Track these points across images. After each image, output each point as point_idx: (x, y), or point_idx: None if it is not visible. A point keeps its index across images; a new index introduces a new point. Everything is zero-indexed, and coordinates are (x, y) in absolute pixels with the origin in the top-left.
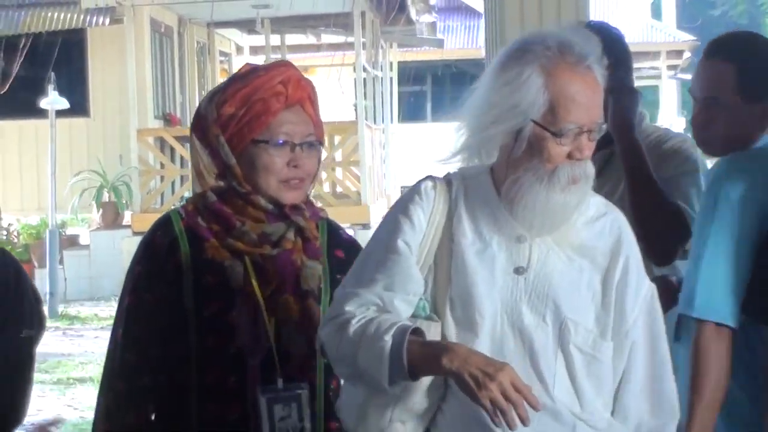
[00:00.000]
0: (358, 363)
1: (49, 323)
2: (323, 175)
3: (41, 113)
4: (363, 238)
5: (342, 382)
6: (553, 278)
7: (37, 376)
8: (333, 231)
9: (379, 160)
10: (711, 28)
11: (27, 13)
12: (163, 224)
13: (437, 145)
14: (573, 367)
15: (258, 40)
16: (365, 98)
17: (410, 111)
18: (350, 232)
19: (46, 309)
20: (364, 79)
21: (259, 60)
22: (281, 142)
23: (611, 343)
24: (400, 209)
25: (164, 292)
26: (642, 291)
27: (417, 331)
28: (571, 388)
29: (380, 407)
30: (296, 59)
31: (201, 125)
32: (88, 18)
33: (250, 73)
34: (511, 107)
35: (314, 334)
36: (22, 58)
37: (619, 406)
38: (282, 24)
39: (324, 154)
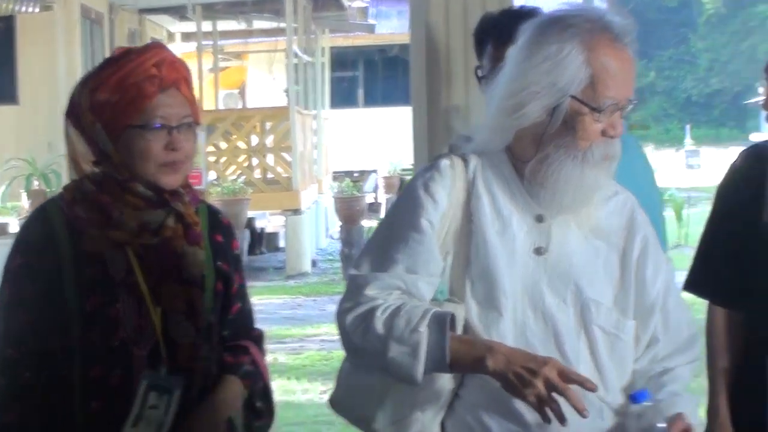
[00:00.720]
0: (388, 355)
1: None
2: (254, 161)
3: None
4: (294, 223)
5: (342, 372)
6: (573, 258)
7: None
8: (213, 215)
9: (311, 145)
10: (642, 12)
11: None
12: (41, 215)
13: (370, 130)
14: (596, 347)
15: (190, 26)
16: (297, 84)
17: (342, 96)
18: (281, 217)
19: None
20: (296, 65)
21: (192, 47)
22: (158, 125)
23: (633, 322)
24: (421, 186)
25: (44, 286)
26: (662, 267)
27: (452, 320)
28: (595, 369)
29: (400, 396)
30: (228, 45)
31: (75, 112)
32: (17, 5)
33: (122, 56)
34: (551, 84)
35: (200, 323)
36: None
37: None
38: (214, 10)
39: (255, 140)
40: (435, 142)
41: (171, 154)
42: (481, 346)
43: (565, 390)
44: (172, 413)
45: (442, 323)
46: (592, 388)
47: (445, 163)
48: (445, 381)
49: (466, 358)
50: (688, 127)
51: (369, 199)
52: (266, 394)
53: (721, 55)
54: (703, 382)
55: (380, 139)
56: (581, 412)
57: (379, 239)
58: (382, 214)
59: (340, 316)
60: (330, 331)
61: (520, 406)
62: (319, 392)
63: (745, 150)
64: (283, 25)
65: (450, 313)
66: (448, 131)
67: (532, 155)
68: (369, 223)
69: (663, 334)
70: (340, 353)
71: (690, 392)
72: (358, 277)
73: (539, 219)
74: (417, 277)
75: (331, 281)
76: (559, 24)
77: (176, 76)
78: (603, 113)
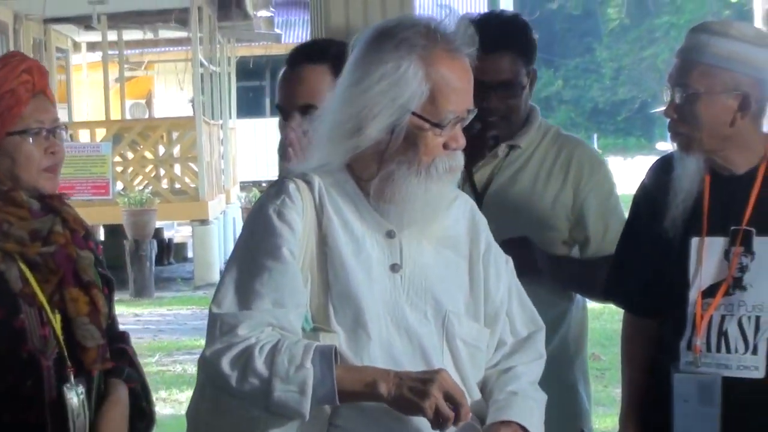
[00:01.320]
0: (274, 395)
1: None
2: (161, 171)
3: None
4: (202, 234)
5: (199, 415)
6: (427, 272)
7: None
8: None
9: (218, 155)
10: (549, 22)
11: None
12: None
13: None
14: (460, 359)
15: (95, 36)
16: (203, 94)
17: (249, 106)
18: (189, 228)
19: None
20: (202, 75)
21: (97, 56)
22: (37, 130)
23: (488, 330)
24: (275, 213)
25: None
26: (502, 269)
27: (335, 351)
28: (461, 381)
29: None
30: (134, 55)
31: None
32: None
33: None
34: (390, 102)
35: (103, 324)
36: None
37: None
38: (119, 20)
39: (162, 150)
40: None
41: (51, 157)
42: (369, 372)
43: (461, 397)
44: (90, 418)
45: (327, 357)
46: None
47: (292, 186)
48: (321, 411)
49: (355, 386)
50: (595, 136)
51: None
52: (147, 395)
53: (626, 64)
54: (613, 392)
55: None
56: (464, 420)
57: (239, 272)
58: None
59: (213, 359)
60: None
61: (401, 427)
62: None
63: (656, 160)
64: (188, 34)
65: (333, 346)
66: None
67: (374, 173)
68: None
69: (509, 337)
70: None
71: (535, 391)
72: (225, 316)
73: (390, 235)
74: (286, 311)
75: None
76: (392, 39)
77: (44, 81)
78: (445, 128)
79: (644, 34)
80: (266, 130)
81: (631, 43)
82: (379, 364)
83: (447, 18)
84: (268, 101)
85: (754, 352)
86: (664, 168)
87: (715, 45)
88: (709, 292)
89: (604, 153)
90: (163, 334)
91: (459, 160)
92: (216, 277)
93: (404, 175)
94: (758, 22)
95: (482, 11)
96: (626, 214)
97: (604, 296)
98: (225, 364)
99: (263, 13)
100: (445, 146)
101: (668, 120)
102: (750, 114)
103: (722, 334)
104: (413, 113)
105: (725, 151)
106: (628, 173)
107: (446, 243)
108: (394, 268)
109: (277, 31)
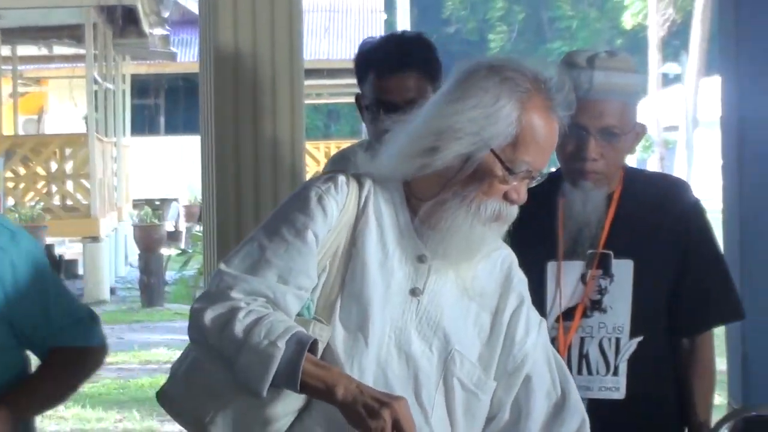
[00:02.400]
0: (239, 361)
1: None
2: (53, 187)
3: None
4: (92, 251)
5: (182, 366)
6: (445, 308)
7: None
8: None
9: (111, 173)
10: (445, 45)
11: None
12: None
13: (171, 158)
14: (453, 401)
15: None
16: (97, 111)
17: (144, 124)
18: (79, 245)
19: None
20: (96, 92)
21: None
22: None
23: (495, 383)
24: (315, 196)
25: None
26: (534, 324)
27: (314, 344)
28: (448, 423)
29: (246, 406)
30: (28, 71)
31: None
32: None
33: None
34: (475, 132)
35: None
36: None
37: None
38: (13, 35)
39: (54, 166)
40: (223, 171)
41: None
42: (336, 374)
43: (411, 429)
44: None
45: (302, 343)
46: None
47: (342, 179)
48: (293, 401)
49: (316, 382)
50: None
51: (169, 227)
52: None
53: None
54: None
55: (181, 168)
56: None
57: (259, 238)
58: (183, 243)
59: (199, 312)
60: (127, 359)
61: None
62: (114, 421)
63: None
64: (83, 51)
65: (312, 338)
66: (238, 160)
67: (431, 196)
68: (168, 252)
69: (524, 399)
70: (136, 382)
71: None
72: (225, 275)
73: (421, 259)
74: (286, 289)
75: (130, 309)
76: (498, 74)
77: None
78: (515, 176)
79: (537, 59)
80: (160, 148)
81: None
82: (368, 376)
83: (556, 76)
84: (162, 119)
85: (615, 373)
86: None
87: (631, 83)
88: (567, 316)
89: None
90: None
91: (512, 212)
92: (106, 295)
93: (456, 206)
94: (653, 50)
95: (380, 33)
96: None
97: None
98: (207, 318)
99: (159, 31)
100: (506, 195)
101: (582, 161)
102: (637, 143)
103: (583, 356)
104: (492, 151)
105: None
106: None
107: (475, 288)
108: (415, 292)
109: (173, 49)
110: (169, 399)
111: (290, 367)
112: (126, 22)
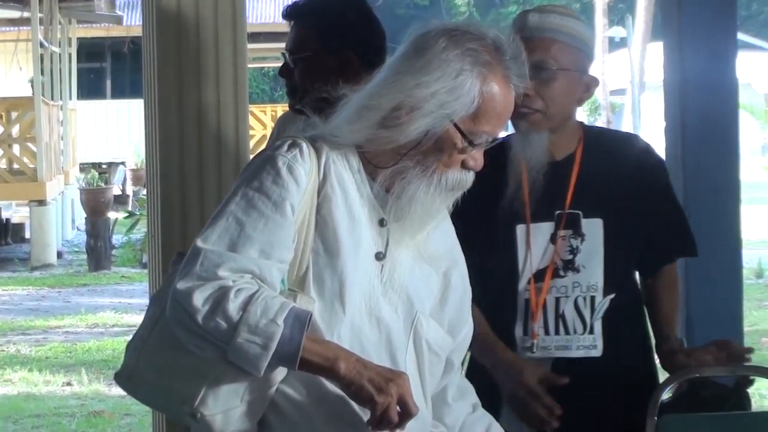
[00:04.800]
0: (236, 341)
1: None
2: None
3: None
4: (39, 214)
5: (141, 346)
6: (405, 270)
7: None
8: None
9: (57, 136)
10: (392, 7)
11: None
12: None
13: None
14: (423, 363)
15: None
16: (42, 74)
17: (90, 88)
18: (26, 209)
19: None
20: (42, 55)
21: None
22: None
23: (453, 341)
24: (285, 165)
25: None
26: (467, 290)
27: (310, 318)
28: (420, 383)
29: (231, 380)
30: None
31: None
32: None
33: None
34: (439, 106)
35: None
36: None
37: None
38: None
39: (0, 130)
40: (166, 135)
41: None
42: (334, 349)
43: (413, 408)
44: None
45: (301, 320)
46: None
47: (305, 145)
48: (276, 373)
49: (316, 358)
50: (477, 160)
51: (116, 191)
52: None
53: None
54: None
55: (128, 131)
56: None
57: (235, 212)
58: (130, 206)
59: (186, 294)
60: (74, 323)
61: (349, 408)
62: (61, 384)
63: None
64: (28, 14)
65: (309, 313)
66: (181, 123)
67: (388, 164)
68: (115, 215)
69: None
70: (84, 345)
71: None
72: (209, 253)
73: (381, 223)
74: (270, 264)
75: (77, 273)
76: (459, 45)
77: None
78: (475, 147)
79: (491, 24)
80: (107, 111)
81: None
82: (346, 345)
83: (513, 43)
84: (109, 83)
85: (591, 331)
86: (485, 155)
87: (567, 25)
88: (539, 278)
89: None
90: None
91: (469, 180)
92: (53, 259)
93: (416, 177)
94: (599, 15)
95: None
96: None
97: None
98: (197, 298)
99: None
100: (464, 163)
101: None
102: (589, 96)
103: (559, 316)
104: (454, 124)
105: (556, 135)
106: None
107: (426, 256)
108: (378, 256)
109: (119, 12)
110: (131, 380)
111: (291, 345)
112: None
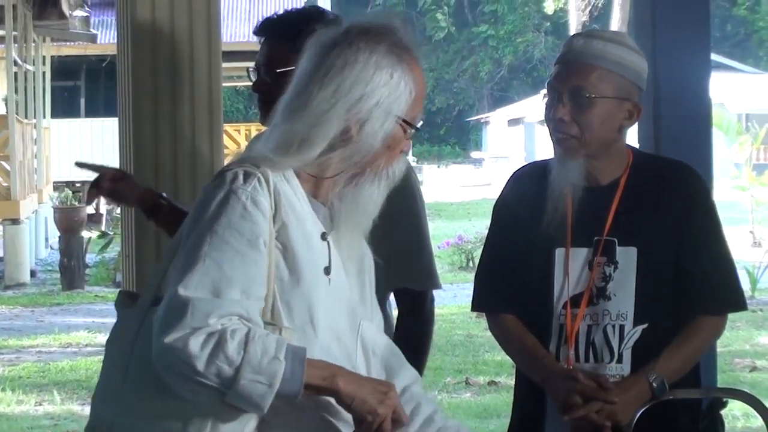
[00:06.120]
0: (240, 383)
1: None
2: None
3: None
4: (12, 233)
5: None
6: (344, 279)
7: None
8: None
9: (31, 155)
10: None
11: None
12: None
13: (92, 141)
14: (370, 367)
15: None
16: (16, 92)
17: (64, 106)
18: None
19: None
20: (15, 73)
21: None
22: None
23: (387, 339)
24: (249, 198)
25: None
26: (374, 282)
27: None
28: None
29: (222, 417)
30: None
31: None
32: None
33: None
34: (386, 113)
35: None
36: None
37: None
38: None
39: None
40: (141, 153)
41: None
42: (325, 366)
43: (405, 417)
44: None
45: (300, 353)
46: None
47: (259, 175)
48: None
49: (315, 380)
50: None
51: (90, 209)
52: None
53: (446, 74)
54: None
55: (102, 150)
56: None
57: (212, 253)
58: (104, 226)
59: (180, 344)
60: (47, 342)
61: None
62: (33, 404)
63: (517, 170)
64: (2, 32)
65: (304, 348)
66: (156, 141)
67: (335, 172)
68: (89, 234)
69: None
70: (57, 365)
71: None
72: (197, 302)
73: (323, 237)
74: (252, 304)
75: (50, 292)
76: (380, 44)
77: None
78: (417, 130)
79: (464, 44)
80: (80, 130)
81: (453, 53)
82: None
83: (409, 25)
84: (83, 101)
85: (620, 360)
86: (528, 177)
87: (611, 51)
88: (574, 303)
89: (419, 161)
90: None
91: (405, 164)
92: (26, 277)
93: (370, 180)
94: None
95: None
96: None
97: (473, 308)
98: (193, 345)
99: (79, 12)
100: (401, 150)
101: (553, 122)
102: (631, 123)
103: (590, 344)
104: (404, 121)
105: (599, 160)
106: (441, 181)
107: (353, 257)
108: (326, 271)
109: (93, 31)
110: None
111: (294, 378)
112: (46, 3)
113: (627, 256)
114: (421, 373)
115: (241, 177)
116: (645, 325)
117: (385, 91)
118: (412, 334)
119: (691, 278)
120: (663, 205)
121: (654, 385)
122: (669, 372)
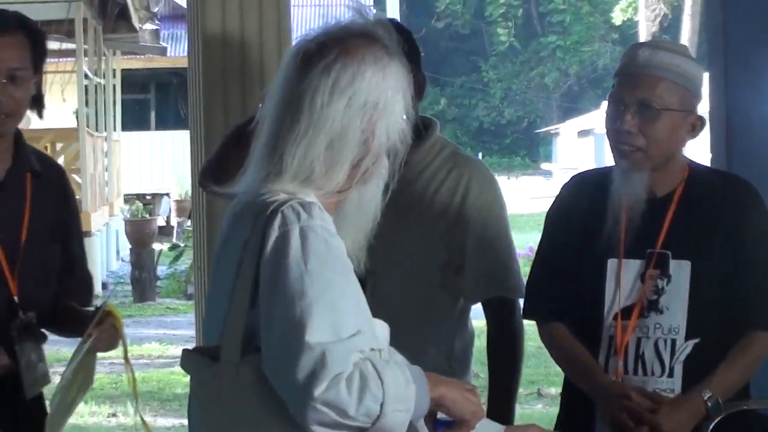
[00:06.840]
0: (384, 417)
1: None
2: None
3: None
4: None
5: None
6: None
7: None
8: None
9: (102, 168)
10: (435, 39)
11: None
12: None
13: (162, 153)
14: None
15: None
16: (87, 105)
17: (134, 119)
18: None
19: None
20: (86, 87)
21: None
22: None
23: None
24: (330, 235)
25: None
26: None
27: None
28: None
29: None
30: None
31: None
32: None
33: None
34: (391, 111)
35: None
36: None
37: None
38: None
39: None
40: None
41: None
42: (429, 376)
43: (483, 412)
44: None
45: (416, 371)
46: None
47: (315, 203)
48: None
49: (432, 393)
50: (480, 155)
51: (160, 222)
52: None
53: (514, 84)
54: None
55: (172, 163)
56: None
57: (318, 294)
58: (174, 238)
59: (330, 393)
60: (119, 354)
61: None
62: (106, 415)
63: (571, 179)
64: (72, 46)
65: (417, 367)
66: None
67: (347, 186)
68: (160, 247)
69: None
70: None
71: None
72: (331, 346)
73: None
74: (367, 332)
75: (122, 304)
76: (373, 47)
77: None
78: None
79: (531, 55)
80: (151, 142)
81: (520, 64)
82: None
83: (388, 32)
84: (153, 114)
85: (671, 374)
86: (585, 186)
87: (676, 63)
88: (625, 315)
89: None
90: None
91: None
92: (97, 290)
93: (375, 184)
94: None
95: None
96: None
97: (523, 316)
98: (343, 392)
99: (149, 26)
100: None
101: (619, 134)
102: (694, 135)
103: (639, 357)
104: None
105: (658, 172)
106: (511, 192)
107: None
108: None
109: (163, 44)
110: None
111: (424, 398)
112: (116, 17)
113: (680, 270)
114: (519, 381)
115: (302, 211)
116: (697, 340)
117: (391, 95)
118: (506, 344)
119: (743, 294)
120: (717, 220)
121: (708, 403)
122: (722, 389)
